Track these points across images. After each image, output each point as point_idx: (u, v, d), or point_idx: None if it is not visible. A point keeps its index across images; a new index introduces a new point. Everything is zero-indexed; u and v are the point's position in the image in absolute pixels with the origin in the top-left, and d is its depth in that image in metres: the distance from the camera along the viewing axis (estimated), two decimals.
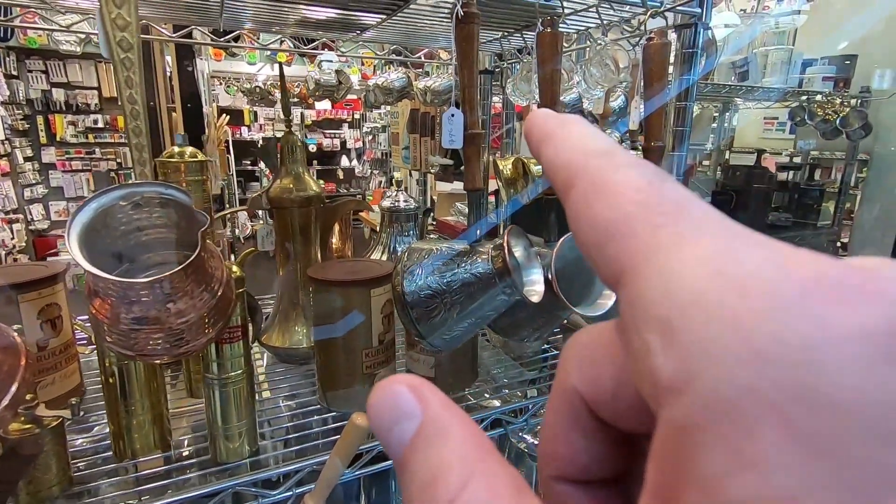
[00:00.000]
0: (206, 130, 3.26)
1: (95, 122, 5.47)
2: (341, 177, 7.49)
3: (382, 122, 6.61)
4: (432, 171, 2.08)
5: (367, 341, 0.74)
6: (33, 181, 5.23)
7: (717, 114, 2.74)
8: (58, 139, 5.38)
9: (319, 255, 0.91)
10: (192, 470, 0.64)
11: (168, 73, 2.89)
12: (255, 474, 0.61)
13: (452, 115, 0.62)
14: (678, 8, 0.78)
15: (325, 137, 7.40)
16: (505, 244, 0.59)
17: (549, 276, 0.63)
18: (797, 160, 2.73)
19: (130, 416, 0.63)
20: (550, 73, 0.67)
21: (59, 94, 5.23)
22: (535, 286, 0.64)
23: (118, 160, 5.70)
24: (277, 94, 6.27)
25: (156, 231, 0.52)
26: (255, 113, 6.96)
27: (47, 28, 0.95)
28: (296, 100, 6.75)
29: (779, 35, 2.10)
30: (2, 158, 4.69)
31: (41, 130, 5.28)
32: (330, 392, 0.77)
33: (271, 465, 0.64)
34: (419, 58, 1.43)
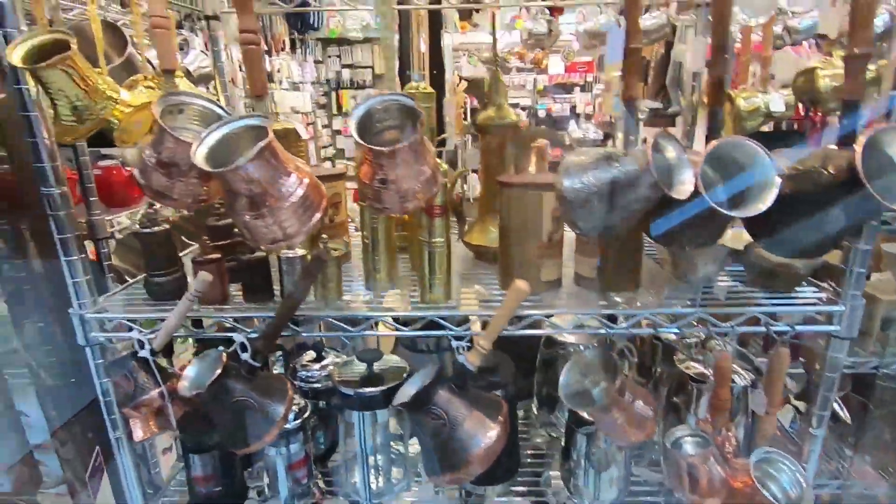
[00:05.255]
0: (447, 95, 3.77)
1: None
2: (567, 142, 7.51)
3: None
4: (642, 117, 2.04)
5: (537, 237, 0.91)
6: (327, 144, 6.81)
7: None
8: (343, 110, 6.86)
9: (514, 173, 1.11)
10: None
11: (423, 49, 3.45)
12: (449, 309, 0.86)
13: (620, 26, 0.71)
14: None
15: (556, 102, 7.47)
16: (649, 145, 0.68)
17: (697, 178, 0.69)
18: None
19: (376, 271, 0.96)
20: None
21: (346, 74, 6.63)
22: (684, 185, 0.71)
23: None
24: (514, 61, 6.62)
25: (388, 132, 0.79)
26: None
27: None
28: (530, 66, 7.02)
29: None
30: (309, 126, 6.24)
31: (333, 104, 6.81)
32: (506, 275, 0.97)
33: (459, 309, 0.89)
34: None
